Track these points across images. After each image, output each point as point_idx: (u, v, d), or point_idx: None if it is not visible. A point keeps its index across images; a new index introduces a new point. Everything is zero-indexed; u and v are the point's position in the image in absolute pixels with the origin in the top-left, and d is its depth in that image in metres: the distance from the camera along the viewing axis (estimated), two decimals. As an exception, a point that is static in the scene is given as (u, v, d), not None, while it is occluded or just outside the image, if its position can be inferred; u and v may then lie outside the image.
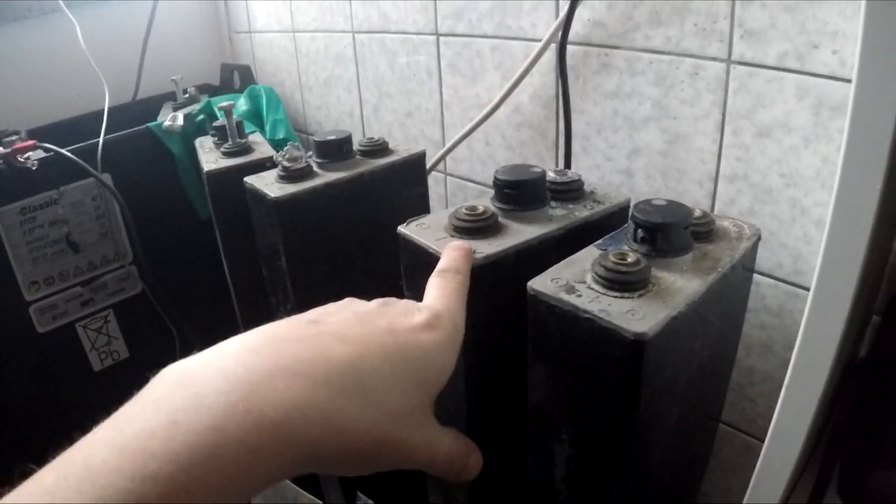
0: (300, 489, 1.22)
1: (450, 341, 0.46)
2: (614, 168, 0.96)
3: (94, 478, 0.29)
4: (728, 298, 0.63)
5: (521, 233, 0.64)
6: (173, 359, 0.37)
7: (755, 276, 0.81)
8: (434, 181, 1.26)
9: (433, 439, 0.44)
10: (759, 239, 0.65)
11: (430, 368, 0.43)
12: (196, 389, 0.34)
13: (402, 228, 0.67)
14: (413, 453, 0.42)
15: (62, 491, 0.28)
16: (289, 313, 0.61)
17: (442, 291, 0.50)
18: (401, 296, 0.68)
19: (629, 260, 0.54)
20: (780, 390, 0.62)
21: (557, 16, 0.94)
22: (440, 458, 0.45)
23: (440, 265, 0.54)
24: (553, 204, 0.70)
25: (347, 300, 0.48)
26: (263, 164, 1.01)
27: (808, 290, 0.78)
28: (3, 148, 1.12)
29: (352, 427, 0.37)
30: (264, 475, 0.33)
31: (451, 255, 0.55)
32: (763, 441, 0.67)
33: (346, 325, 0.42)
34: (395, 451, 0.40)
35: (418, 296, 0.66)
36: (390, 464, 0.41)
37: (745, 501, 0.71)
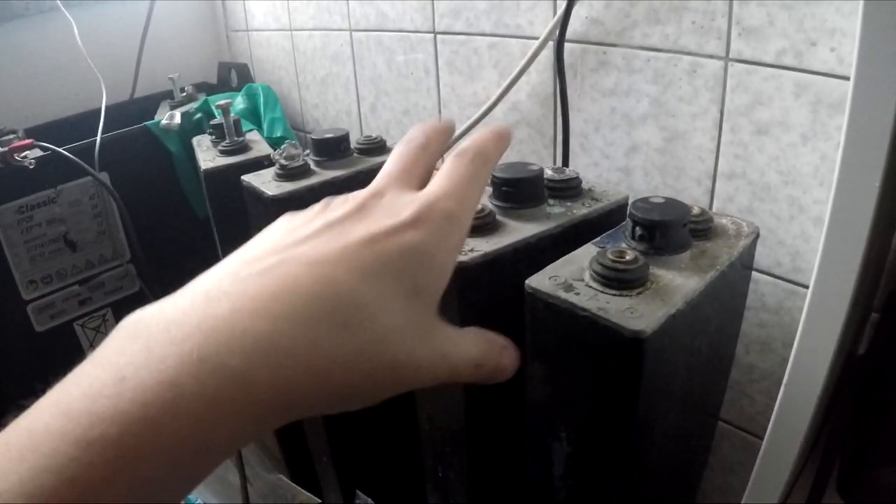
0: (299, 487, 1.22)
1: (442, 235, 0.37)
2: (612, 166, 0.96)
3: (36, 445, 0.26)
4: (727, 296, 0.63)
5: (519, 231, 0.64)
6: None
7: (754, 273, 0.81)
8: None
9: (447, 349, 0.37)
10: (757, 236, 0.65)
11: (420, 273, 0.36)
12: (147, 341, 0.30)
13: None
14: (423, 371, 0.35)
15: (3, 460, 0.26)
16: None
17: (448, 176, 0.40)
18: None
19: (627, 258, 0.54)
20: (779, 388, 0.62)
21: (555, 13, 0.94)
22: (462, 366, 0.38)
23: (461, 145, 0.43)
24: (551, 202, 0.70)
25: (322, 204, 0.40)
26: (261, 163, 1.01)
27: (806, 287, 0.78)
28: (1, 147, 1.12)
29: (328, 363, 0.31)
30: (230, 434, 0.29)
31: (479, 136, 0.44)
32: (762, 438, 0.67)
33: (316, 244, 0.35)
34: (397, 375, 0.34)
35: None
36: (398, 388, 0.35)
37: (744, 499, 0.71)
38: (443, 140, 0.45)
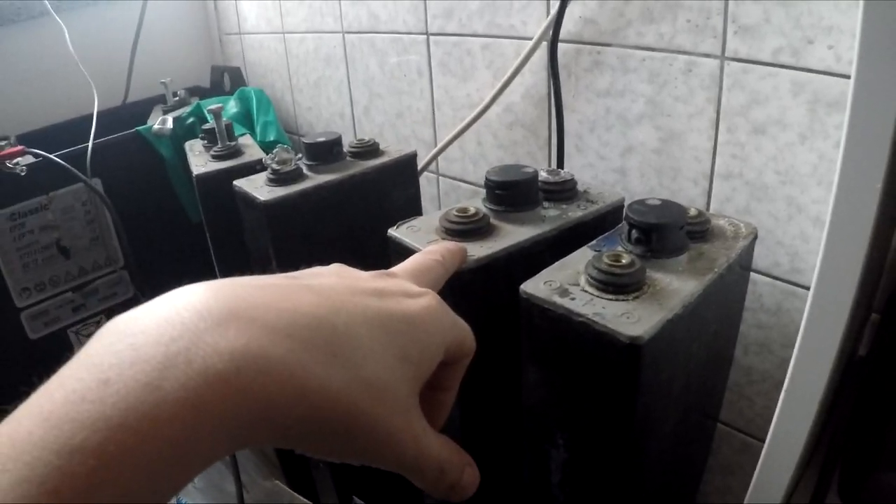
0: (296, 494, 1.21)
1: (442, 314, 0.40)
2: (608, 167, 0.95)
3: (18, 454, 0.25)
4: (725, 298, 0.63)
5: (513, 234, 0.63)
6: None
7: (752, 274, 0.80)
8: (426, 182, 1.26)
9: (420, 435, 0.36)
10: (755, 238, 0.65)
11: (415, 343, 0.36)
12: (134, 340, 0.29)
13: (392, 231, 0.66)
14: (393, 442, 0.34)
15: None
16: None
17: (426, 273, 0.46)
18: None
19: (623, 261, 0.53)
20: (778, 389, 0.62)
21: (548, 13, 0.93)
22: (429, 462, 0.37)
23: (427, 248, 0.49)
24: (546, 204, 0.69)
25: (336, 266, 0.42)
26: (253, 167, 1.00)
27: (805, 288, 0.77)
28: (-9, 154, 1.11)
29: (317, 389, 0.31)
30: (213, 441, 0.28)
31: (441, 246, 0.51)
32: (762, 440, 0.67)
33: (328, 281, 0.37)
34: (371, 430, 0.33)
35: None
36: (366, 448, 0.34)
37: (746, 502, 0.70)
38: (456, 263, 0.51)
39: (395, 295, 0.38)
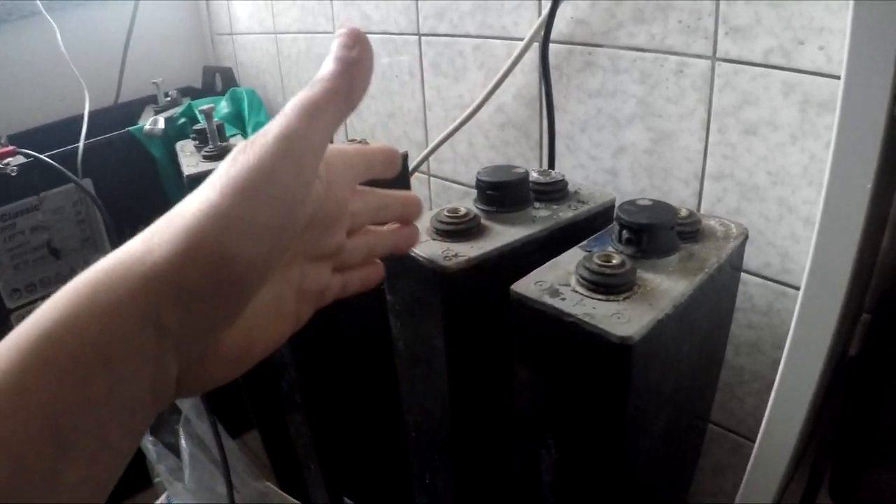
0: (286, 495, 1.21)
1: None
2: (599, 167, 0.95)
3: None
4: (715, 299, 0.63)
5: (504, 234, 0.63)
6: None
7: (743, 275, 0.80)
8: (418, 182, 1.25)
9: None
10: (746, 238, 0.65)
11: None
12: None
13: (382, 232, 0.66)
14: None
15: None
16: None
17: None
18: (382, 305, 0.67)
19: (614, 262, 0.53)
20: (769, 389, 0.62)
21: (540, 14, 0.93)
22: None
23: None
24: (537, 205, 0.69)
25: None
26: (244, 168, 1.00)
27: (796, 288, 0.77)
28: (-18, 154, 1.10)
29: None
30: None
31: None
32: (752, 440, 0.67)
33: None
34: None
35: (400, 300, 0.65)
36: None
37: (736, 502, 0.70)
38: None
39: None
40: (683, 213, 0.62)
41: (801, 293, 0.55)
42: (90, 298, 0.31)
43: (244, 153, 0.35)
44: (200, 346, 0.35)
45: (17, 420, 0.27)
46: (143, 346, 0.31)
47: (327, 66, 0.41)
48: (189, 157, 1.08)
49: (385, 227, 0.51)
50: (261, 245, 0.34)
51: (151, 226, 0.35)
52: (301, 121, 0.38)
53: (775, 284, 0.81)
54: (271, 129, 0.37)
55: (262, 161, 0.35)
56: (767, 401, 0.62)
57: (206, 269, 0.32)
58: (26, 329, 0.30)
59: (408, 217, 0.52)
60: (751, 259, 0.82)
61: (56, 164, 1.15)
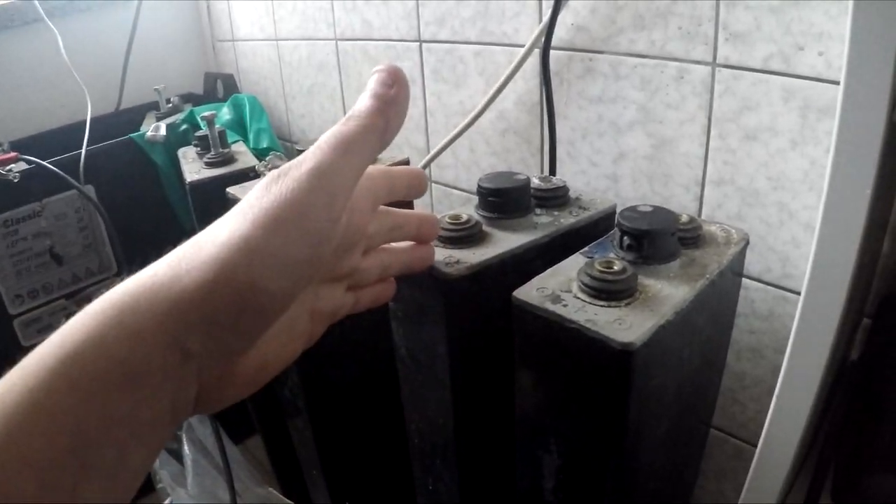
0: (289, 501, 1.21)
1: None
2: (600, 173, 0.96)
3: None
4: (717, 304, 0.63)
5: (505, 241, 0.63)
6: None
7: (744, 280, 0.81)
8: (420, 188, 1.25)
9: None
10: (747, 244, 0.65)
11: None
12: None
13: (384, 239, 0.66)
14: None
15: None
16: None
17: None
18: (384, 311, 0.67)
19: (615, 268, 0.53)
20: (770, 394, 0.62)
21: (540, 21, 0.93)
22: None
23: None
24: (538, 211, 0.69)
25: None
26: (246, 174, 1.00)
27: (797, 293, 0.77)
28: (-16, 161, 1.11)
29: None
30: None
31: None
32: (754, 445, 0.67)
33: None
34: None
35: (402, 306, 0.66)
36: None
37: (738, 506, 0.71)
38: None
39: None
40: (684, 218, 0.62)
41: (801, 298, 0.55)
42: (118, 321, 0.32)
43: (277, 184, 0.36)
44: (221, 369, 0.36)
45: (44, 438, 0.28)
46: (167, 369, 0.32)
47: (363, 102, 0.41)
48: (191, 164, 1.08)
49: (400, 245, 0.51)
50: (288, 278, 0.35)
51: (178, 250, 0.35)
52: (335, 156, 0.37)
53: (776, 289, 0.82)
54: (305, 162, 0.37)
55: (294, 195, 0.35)
56: (769, 405, 0.62)
57: (232, 299, 0.33)
58: (52, 348, 0.31)
59: (424, 237, 0.52)
60: (752, 264, 0.82)
61: (58, 171, 1.16)
